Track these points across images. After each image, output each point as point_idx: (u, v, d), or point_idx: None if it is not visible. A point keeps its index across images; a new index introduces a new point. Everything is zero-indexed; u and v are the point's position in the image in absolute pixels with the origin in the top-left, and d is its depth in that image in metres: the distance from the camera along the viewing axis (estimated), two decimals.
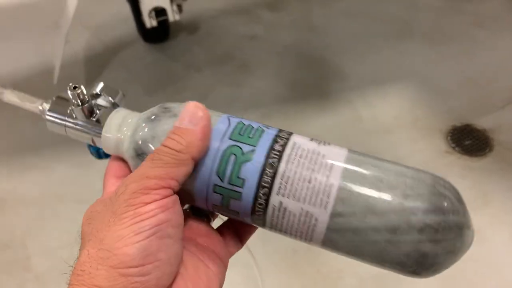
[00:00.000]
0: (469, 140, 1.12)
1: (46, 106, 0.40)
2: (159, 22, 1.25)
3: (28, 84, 1.32)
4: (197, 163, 0.30)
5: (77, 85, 0.37)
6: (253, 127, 0.32)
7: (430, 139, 1.12)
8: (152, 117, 0.33)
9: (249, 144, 0.31)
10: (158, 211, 0.27)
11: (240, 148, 0.31)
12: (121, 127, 0.35)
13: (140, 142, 0.32)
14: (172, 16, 1.23)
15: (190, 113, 0.30)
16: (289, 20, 1.52)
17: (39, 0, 1.63)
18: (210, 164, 0.31)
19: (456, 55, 1.34)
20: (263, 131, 0.32)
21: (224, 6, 1.57)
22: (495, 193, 1.01)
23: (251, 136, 0.31)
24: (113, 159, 0.36)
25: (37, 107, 0.40)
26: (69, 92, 0.37)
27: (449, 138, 1.13)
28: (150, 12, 1.22)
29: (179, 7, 1.25)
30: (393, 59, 1.35)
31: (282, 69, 1.34)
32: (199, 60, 1.37)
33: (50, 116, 0.40)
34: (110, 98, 0.39)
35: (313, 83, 1.30)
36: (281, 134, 0.32)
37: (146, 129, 0.33)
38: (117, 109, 0.37)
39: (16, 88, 1.29)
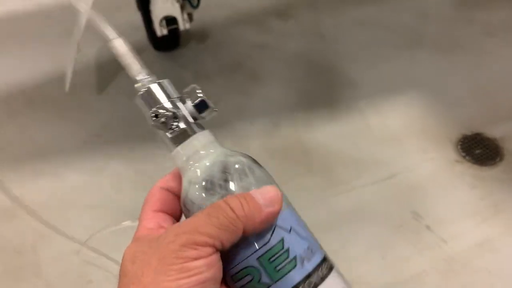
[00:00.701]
0: (479, 149, 1.11)
1: (141, 87, 0.39)
2: (169, 31, 1.27)
3: (40, 90, 1.34)
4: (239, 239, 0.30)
5: (157, 114, 0.36)
6: (288, 256, 0.31)
7: (440, 148, 1.12)
8: (237, 166, 0.33)
9: (269, 277, 0.31)
10: (204, 269, 0.28)
11: (260, 274, 0.31)
12: (200, 150, 0.35)
13: (213, 180, 0.32)
14: (183, 24, 1.24)
15: (269, 193, 0.31)
16: (299, 29, 1.53)
17: (52, 9, 1.65)
18: (238, 258, 0.31)
19: (467, 64, 1.34)
20: (294, 266, 0.31)
21: (234, 15, 1.58)
22: (506, 202, 1.00)
23: (278, 268, 0.31)
24: (156, 190, 0.36)
25: (134, 76, 0.40)
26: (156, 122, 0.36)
27: (459, 147, 1.12)
28: (161, 21, 1.23)
29: (190, 16, 1.26)
30: (403, 67, 1.35)
31: (292, 77, 1.35)
32: (208, 69, 1.38)
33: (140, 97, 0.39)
34: (196, 111, 0.37)
35: (323, 91, 1.30)
36: (309, 279, 0.31)
37: (224, 174, 0.33)
38: (204, 132, 0.36)
39: (28, 95, 1.30)
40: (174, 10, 1.20)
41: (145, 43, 1.44)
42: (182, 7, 1.21)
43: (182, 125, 0.35)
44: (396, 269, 0.91)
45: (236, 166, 0.33)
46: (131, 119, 1.24)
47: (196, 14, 1.31)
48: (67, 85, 1.24)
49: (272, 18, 1.56)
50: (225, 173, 0.33)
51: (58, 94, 1.30)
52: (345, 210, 1.00)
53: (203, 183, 0.32)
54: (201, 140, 0.35)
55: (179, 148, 0.35)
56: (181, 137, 0.35)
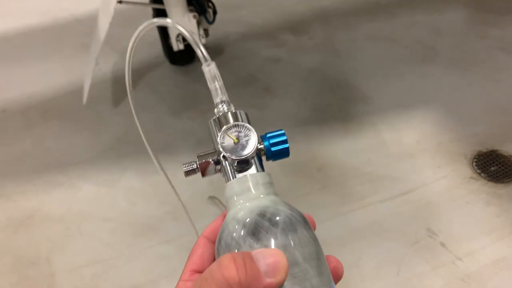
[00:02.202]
0: (495, 166, 1.11)
1: (218, 113, 0.40)
2: (185, 46, 1.28)
3: (56, 102, 1.36)
4: None
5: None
6: None
7: (455, 165, 1.11)
8: (277, 218, 0.32)
9: None
10: None
11: None
12: (252, 191, 0.35)
13: (244, 228, 0.32)
14: (199, 39, 1.25)
15: (272, 258, 0.28)
16: (312, 44, 1.54)
17: (71, 22, 1.69)
18: None
19: (481, 80, 1.34)
20: None
21: (248, 30, 1.60)
22: None
23: None
24: (201, 242, 0.36)
25: (216, 100, 0.41)
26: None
27: (474, 164, 1.11)
28: (177, 36, 1.25)
29: (206, 31, 1.28)
30: (417, 83, 1.35)
31: (305, 91, 1.35)
32: (223, 82, 1.39)
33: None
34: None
35: (336, 106, 1.30)
36: None
37: (257, 226, 0.32)
38: (263, 174, 0.36)
39: (45, 107, 1.32)
40: (191, 26, 1.22)
41: (161, 57, 1.45)
42: (199, 23, 1.23)
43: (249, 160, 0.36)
44: (410, 287, 0.90)
45: (277, 218, 0.32)
46: (146, 132, 1.25)
47: (212, 29, 1.33)
48: (85, 98, 1.26)
49: (286, 33, 1.57)
50: (258, 225, 0.31)
51: (74, 106, 1.32)
52: (359, 226, 0.99)
53: (235, 227, 0.32)
54: (258, 179, 0.35)
55: (234, 181, 0.35)
56: (241, 169, 0.36)
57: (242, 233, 0.31)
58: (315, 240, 0.33)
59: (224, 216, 0.37)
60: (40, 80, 1.44)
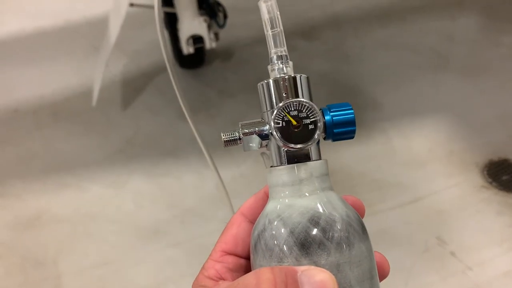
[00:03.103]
0: (506, 175, 1.09)
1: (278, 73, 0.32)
2: (195, 49, 1.28)
3: (66, 104, 1.36)
4: None
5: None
6: None
7: (466, 173, 1.10)
8: (344, 237, 0.28)
9: None
10: None
11: None
12: (304, 184, 0.30)
13: (293, 235, 0.27)
14: (209, 43, 1.25)
15: (318, 276, 0.25)
16: (324, 49, 1.53)
17: (81, 25, 1.69)
18: None
19: (493, 88, 1.32)
20: None
21: (259, 35, 1.59)
22: None
23: None
24: (237, 219, 0.33)
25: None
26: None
27: (485, 172, 1.10)
28: (187, 39, 1.25)
29: (216, 35, 1.28)
30: (428, 90, 1.33)
31: (316, 97, 1.33)
32: (232, 87, 1.39)
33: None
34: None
35: None
36: None
37: (308, 235, 0.27)
38: (322, 162, 0.31)
39: (55, 108, 1.32)
40: (201, 29, 1.22)
41: (171, 61, 1.46)
42: (209, 27, 1.23)
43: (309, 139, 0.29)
44: None
45: (332, 229, 0.27)
46: (155, 135, 1.25)
47: (222, 33, 1.33)
48: (95, 100, 1.26)
49: (297, 38, 1.57)
50: (309, 235, 0.27)
51: (84, 108, 1.33)
52: (369, 234, 0.98)
53: (281, 230, 0.27)
54: (313, 170, 0.29)
55: (283, 168, 0.29)
56: (294, 156, 0.30)
57: (288, 241, 0.27)
58: (370, 252, 0.29)
59: (266, 193, 0.32)
60: (51, 81, 1.45)
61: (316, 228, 0.27)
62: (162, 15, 0.42)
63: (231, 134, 0.32)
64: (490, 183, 1.07)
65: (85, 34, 1.66)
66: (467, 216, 1.01)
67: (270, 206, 0.30)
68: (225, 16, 1.24)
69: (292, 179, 0.29)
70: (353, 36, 1.57)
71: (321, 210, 0.28)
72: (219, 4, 1.25)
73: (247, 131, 0.31)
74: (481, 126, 1.22)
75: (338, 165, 1.14)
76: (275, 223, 0.28)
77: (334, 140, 0.32)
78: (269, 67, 0.32)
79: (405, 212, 1.02)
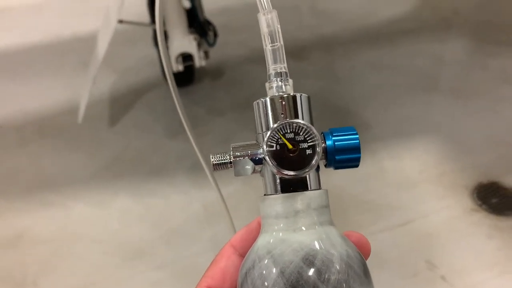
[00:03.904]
0: (496, 198, 1.09)
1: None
2: (185, 67, 1.27)
3: (53, 120, 1.34)
4: None
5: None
6: None
7: (456, 196, 1.09)
8: (342, 281, 0.24)
9: None
10: None
11: None
12: (300, 217, 0.27)
13: (283, 276, 0.24)
14: (199, 62, 1.25)
15: None
16: (313, 70, 1.53)
17: (73, 41, 1.69)
18: None
19: (482, 111, 1.33)
20: None
21: (249, 54, 1.59)
22: None
23: None
24: (226, 251, 0.30)
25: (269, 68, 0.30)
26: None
27: (475, 195, 1.09)
28: (177, 57, 1.24)
29: (206, 54, 1.28)
30: (417, 111, 1.34)
31: None
32: (221, 105, 1.38)
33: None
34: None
35: None
36: None
37: (303, 277, 0.24)
38: (321, 192, 0.29)
39: (41, 124, 1.30)
40: (191, 47, 1.21)
41: (160, 77, 1.45)
42: (199, 45, 1.23)
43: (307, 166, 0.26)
44: None
45: (329, 272, 0.24)
46: (142, 153, 1.24)
47: (212, 51, 1.32)
48: (81, 117, 1.24)
49: (287, 58, 1.57)
50: (303, 278, 0.23)
51: (70, 125, 1.31)
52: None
53: (270, 270, 0.24)
54: (311, 201, 0.26)
55: (277, 198, 0.26)
56: (290, 184, 0.27)
57: (278, 283, 0.24)
58: None
59: (259, 224, 0.29)
60: (37, 97, 1.43)
61: (310, 268, 0.24)
62: (163, 31, 0.41)
63: (222, 157, 0.29)
64: (480, 205, 1.07)
65: (75, 51, 1.65)
66: (457, 239, 1.00)
67: (262, 240, 0.27)
68: (215, 35, 1.23)
69: (287, 210, 0.27)
70: (343, 57, 1.58)
71: (317, 247, 0.25)
72: (209, 23, 1.25)
73: (239, 154, 0.29)
74: (471, 148, 1.22)
75: (328, 186, 1.12)
76: (265, 260, 0.25)
77: (336, 167, 0.29)
78: (267, 84, 0.30)
79: (395, 235, 1.01)
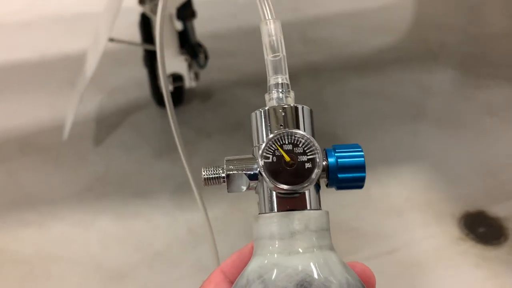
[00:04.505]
0: (483, 228, 1.08)
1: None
2: (174, 88, 1.27)
3: (35, 138, 1.32)
4: None
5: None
6: None
7: (443, 224, 1.08)
8: None
9: None
10: None
11: None
12: (297, 239, 0.24)
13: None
14: (189, 83, 1.24)
15: None
16: (301, 96, 1.52)
17: (61, 59, 1.67)
18: None
19: (468, 141, 1.34)
20: None
21: (238, 78, 1.59)
22: None
23: None
24: (215, 277, 0.28)
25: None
26: None
27: (462, 224, 1.09)
28: (167, 77, 1.23)
29: (196, 75, 1.27)
30: (404, 140, 1.34)
31: None
32: (210, 127, 1.37)
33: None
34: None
35: None
36: None
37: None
38: (321, 212, 0.27)
39: (22, 142, 1.28)
40: (181, 68, 1.21)
41: (148, 98, 1.43)
42: (190, 66, 1.22)
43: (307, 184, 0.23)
44: None
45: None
46: (126, 174, 1.21)
47: (202, 74, 1.32)
48: (66, 134, 1.22)
49: None
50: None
51: (53, 143, 1.28)
52: None
53: None
54: (309, 222, 0.24)
55: (273, 217, 0.24)
56: (287, 202, 0.24)
57: None
58: None
59: (251, 249, 0.27)
60: (21, 114, 1.40)
61: None
62: (163, 51, 0.41)
63: (214, 171, 0.27)
64: (467, 235, 1.06)
65: (62, 69, 1.64)
66: (444, 269, 0.99)
67: (253, 263, 0.25)
68: (206, 57, 1.23)
69: (283, 231, 0.24)
70: (331, 84, 1.59)
71: (314, 273, 0.23)
72: (200, 45, 1.25)
73: (232, 167, 0.27)
74: (458, 176, 1.22)
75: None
76: (255, 286, 0.23)
77: (338, 187, 0.27)
78: (267, 96, 0.28)
79: (381, 263, 0.99)
